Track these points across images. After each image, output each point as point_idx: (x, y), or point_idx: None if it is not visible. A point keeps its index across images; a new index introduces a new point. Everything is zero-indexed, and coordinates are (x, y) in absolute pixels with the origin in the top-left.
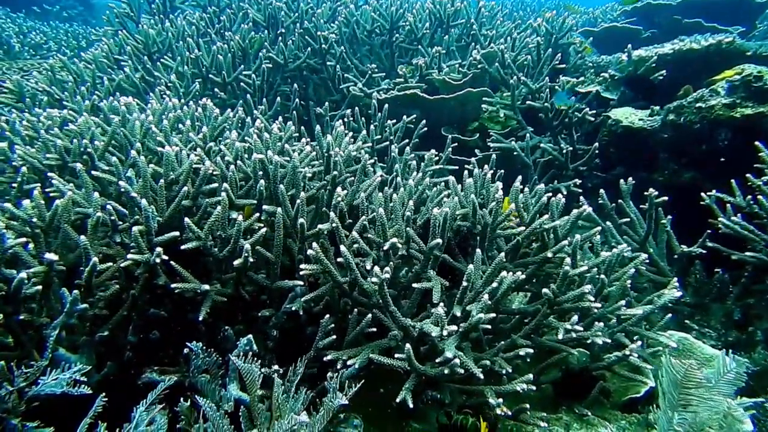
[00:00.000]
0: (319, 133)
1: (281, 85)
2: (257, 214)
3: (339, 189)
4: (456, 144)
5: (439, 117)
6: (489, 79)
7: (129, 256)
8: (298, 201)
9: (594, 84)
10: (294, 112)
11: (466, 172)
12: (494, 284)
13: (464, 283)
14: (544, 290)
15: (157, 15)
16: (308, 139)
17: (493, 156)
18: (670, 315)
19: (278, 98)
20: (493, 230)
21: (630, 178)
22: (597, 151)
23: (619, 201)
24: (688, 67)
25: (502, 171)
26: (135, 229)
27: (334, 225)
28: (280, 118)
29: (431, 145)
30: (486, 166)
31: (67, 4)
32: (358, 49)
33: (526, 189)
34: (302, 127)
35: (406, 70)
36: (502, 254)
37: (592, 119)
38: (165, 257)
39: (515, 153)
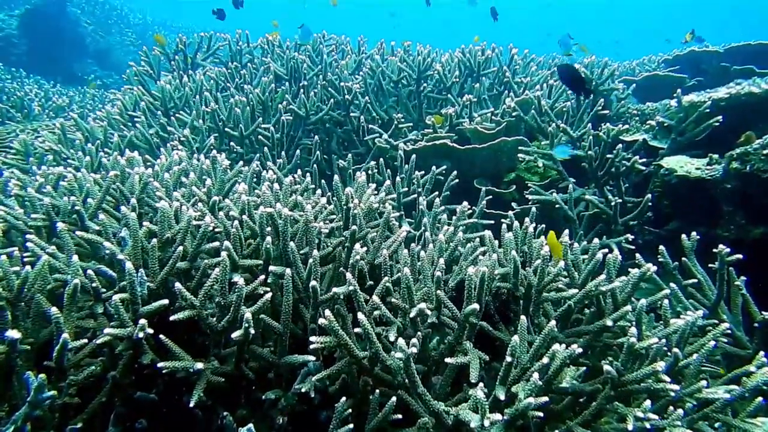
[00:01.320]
0: (337, 184)
1: (303, 138)
2: (262, 277)
3: (358, 246)
4: (490, 197)
5: (471, 168)
6: (524, 128)
7: (107, 330)
8: (311, 261)
9: (640, 132)
10: (315, 165)
11: (504, 226)
12: (545, 360)
13: (508, 359)
14: (606, 367)
15: (176, 71)
16: (330, 194)
17: (533, 209)
18: (760, 399)
19: (298, 151)
20: (540, 293)
21: (693, 233)
22: (650, 204)
23: (683, 259)
24: (745, 114)
25: (543, 226)
26: (116, 297)
27: (351, 288)
28: (299, 172)
29: (463, 199)
30: (526, 220)
31: (104, 73)
32: (384, 100)
33: (576, 245)
34: (322, 181)
35: (435, 119)
36: (552, 323)
37: (643, 168)
38: (150, 331)
39: (557, 206)
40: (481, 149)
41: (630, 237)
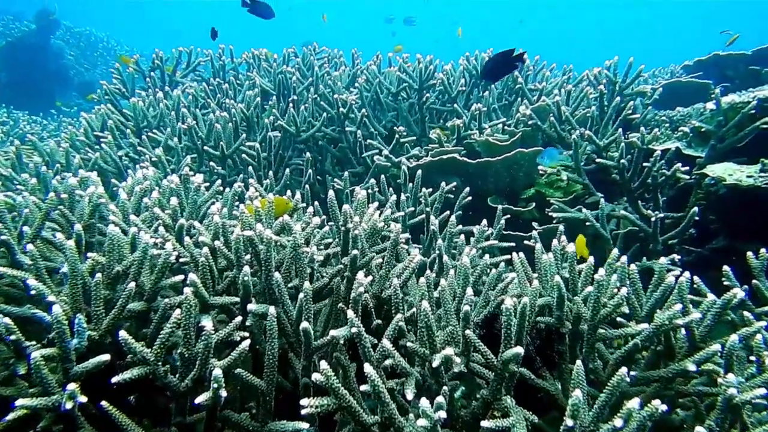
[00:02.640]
0: (332, 200)
1: (293, 157)
2: (238, 319)
3: (361, 275)
4: (507, 216)
5: (484, 185)
6: (542, 138)
7: (20, 402)
8: (302, 295)
9: (672, 140)
10: (307, 187)
11: (538, 245)
12: (617, 422)
13: (569, 422)
14: (699, 429)
15: (152, 89)
16: (324, 217)
17: (561, 228)
18: None
19: (288, 171)
20: (594, 329)
21: (763, 250)
22: (698, 218)
23: (754, 282)
24: None
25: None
26: (36, 354)
27: (354, 330)
28: (289, 193)
29: (476, 220)
30: (563, 239)
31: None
32: (383, 115)
33: (633, 266)
34: (315, 203)
35: (441, 132)
36: (623, 370)
37: (687, 177)
38: (83, 399)
39: (587, 224)
40: (494, 163)
41: (677, 257)
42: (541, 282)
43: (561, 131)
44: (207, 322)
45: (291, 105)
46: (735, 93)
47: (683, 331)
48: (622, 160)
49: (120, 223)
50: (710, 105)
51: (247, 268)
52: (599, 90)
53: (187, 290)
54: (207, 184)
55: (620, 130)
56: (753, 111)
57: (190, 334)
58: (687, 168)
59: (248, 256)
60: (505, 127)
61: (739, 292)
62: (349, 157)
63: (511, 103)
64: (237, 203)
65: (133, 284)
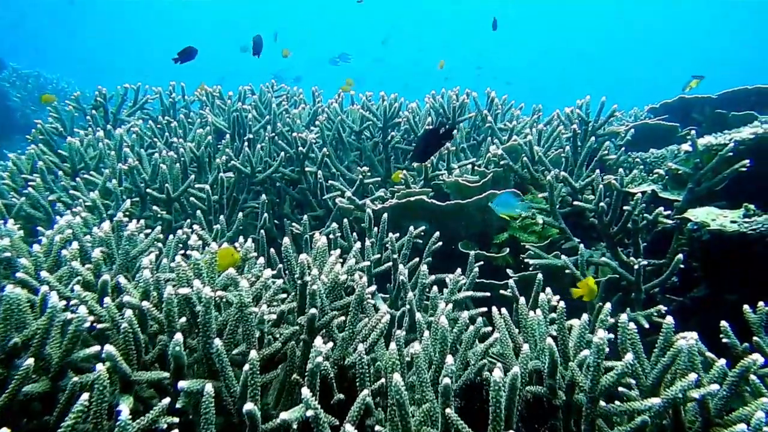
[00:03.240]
0: (287, 249)
1: (248, 200)
2: (166, 401)
3: (319, 341)
4: (480, 262)
5: (455, 229)
6: (514, 179)
7: None
8: (247, 367)
9: (647, 182)
10: (263, 232)
11: (521, 300)
12: None
13: None
14: None
15: (93, 128)
16: (281, 266)
17: (539, 277)
18: None
19: (241, 215)
20: (595, 401)
21: (761, 303)
22: (682, 266)
23: (755, 339)
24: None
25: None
26: None
27: (310, 414)
28: (241, 240)
29: (447, 267)
30: (548, 291)
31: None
32: (345, 155)
33: (632, 324)
34: (271, 250)
35: (395, 177)
36: None
37: (669, 222)
38: None
39: (567, 271)
40: (465, 205)
41: (663, 308)
42: (526, 341)
43: (534, 172)
44: (124, 406)
45: (246, 144)
46: (711, 135)
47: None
48: (601, 204)
49: (29, 281)
50: (686, 147)
51: (179, 336)
52: (572, 129)
53: (101, 367)
54: (149, 231)
55: (597, 171)
56: (730, 153)
57: (101, 422)
58: (670, 212)
59: (184, 319)
60: (475, 168)
61: (758, 358)
62: (310, 199)
63: (480, 142)
64: (182, 252)
65: (31, 360)
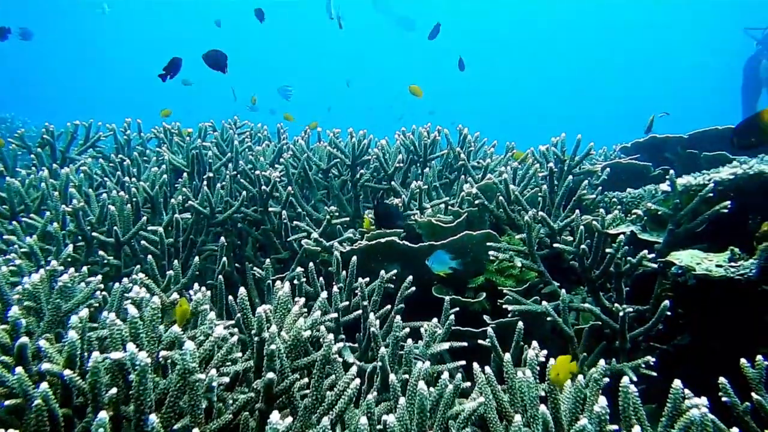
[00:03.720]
0: (243, 300)
1: (207, 243)
2: None
3: (276, 416)
4: (456, 309)
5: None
6: (489, 220)
7: None
8: None
9: (626, 223)
10: (221, 277)
11: (507, 356)
12: None
13: None
14: None
15: (38, 167)
16: (240, 316)
17: (520, 326)
18: None
19: (197, 259)
20: None
21: (759, 357)
22: (669, 313)
23: (755, 397)
24: (753, 198)
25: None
26: None
27: None
28: (196, 286)
29: (420, 313)
30: (534, 345)
31: None
32: (312, 194)
33: (632, 388)
34: (230, 298)
35: (365, 222)
36: None
37: (654, 266)
38: None
39: (549, 318)
40: (440, 247)
41: (651, 359)
42: (512, 407)
43: (511, 212)
44: None
45: (206, 183)
46: (690, 175)
47: None
48: (582, 246)
49: None
50: (664, 187)
51: (103, 415)
52: (549, 168)
53: None
54: (93, 278)
55: (577, 211)
56: (711, 194)
57: None
58: (653, 255)
59: (114, 390)
60: (449, 207)
61: None
62: (273, 240)
63: (453, 181)
64: (129, 303)
65: None
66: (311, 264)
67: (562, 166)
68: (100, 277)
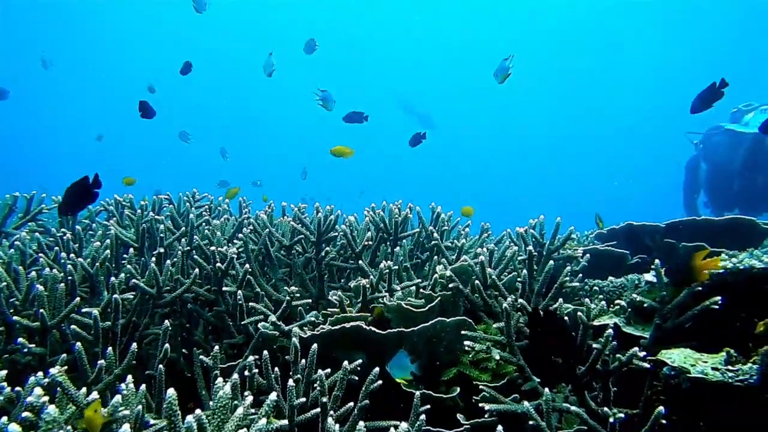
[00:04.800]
0: (171, 402)
1: (151, 326)
2: None
3: None
4: (428, 407)
5: None
6: (463, 305)
7: None
8: None
9: (609, 315)
10: (161, 367)
11: None
12: None
13: None
14: None
15: None
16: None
17: (499, 429)
18: None
19: (134, 346)
20: None
21: None
22: (664, 421)
23: None
24: (740, 293)
25: None
26: None
27: None
28: (129, 378)
29: (387, 410)
30: None
31: None
32: (273, 273)
33: None
34: (169, 391)
35: (343, 294)
36: None
37: (647, 365)
38: None
39: (531, 423)
40: (409, 335)
41: None
42: None
43: (487, 298)
44: None
45: (155, 259)
46: None
47: None
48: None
49: None
50: (648, 277)
51: None
52: (528, 252)
53: None
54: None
55: (561, 300)
56: (699, 288)
57: None
58: (645, 353)
59: None
60: (421, 290)
61: None
62: (228, 323)
63: (424, 261)
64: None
65: None
66: (265, 352)
67: (541, 249)
68: (4, 372)
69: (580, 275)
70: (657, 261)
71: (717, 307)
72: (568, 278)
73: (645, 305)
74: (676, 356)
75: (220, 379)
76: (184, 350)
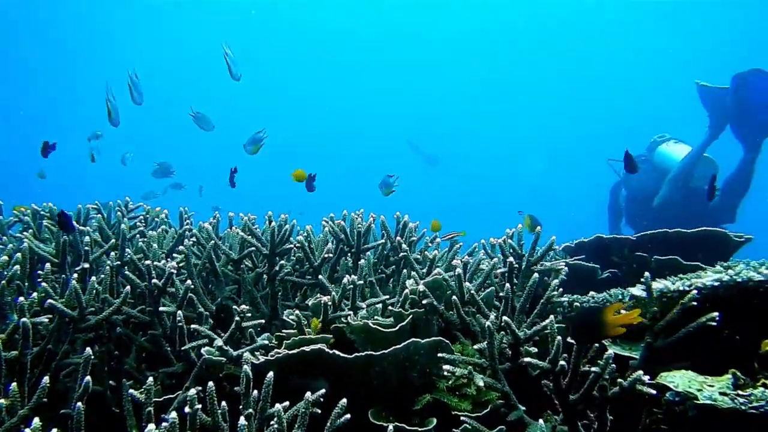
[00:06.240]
0: None
1: (72, 354)
2: None
3: None
4: None
5: (366, 390)
6: (438, 324)
7: None
8: None
9: None
10: (79, 405)
11: None
12: None
13: None
14: None
15: None
16: None
17: None
18: None
19: (46, 379)
20: None
21: None
22: None
23: None
24: (738, 308)
25: None
26: None
27: None
28: (36, 421)
29: None
30: None
31: None
32: (219, 290)
33: None
34: None
35: (300, 315)
36: None
37: (653, 392)
38: None
39: None
40: (379, 358)
41: None
42: None
43: (465, 315)
44: None
45: (77, 276)
46: (667, 279)
47: None
48: (561, 362)
49: None
50: (635, 291)
51: None
52: (508, 264)
53: None
54: None
55: (552, 318)
56: (694, 303)
57: None
58: (648, 378)
59: None
60: (389, 308)
61: None
62: (165, 349)
63: (389, 276)
64: None
65: None
66: (210, 383)
67: (520, 261)
68: None
69: (560, 290)
70: (647, 273)
71: (714, 324)
72: (556, 293)
73: (635, 322)
74: (678, 380)
75: (151, 426)
76: (112, 382)
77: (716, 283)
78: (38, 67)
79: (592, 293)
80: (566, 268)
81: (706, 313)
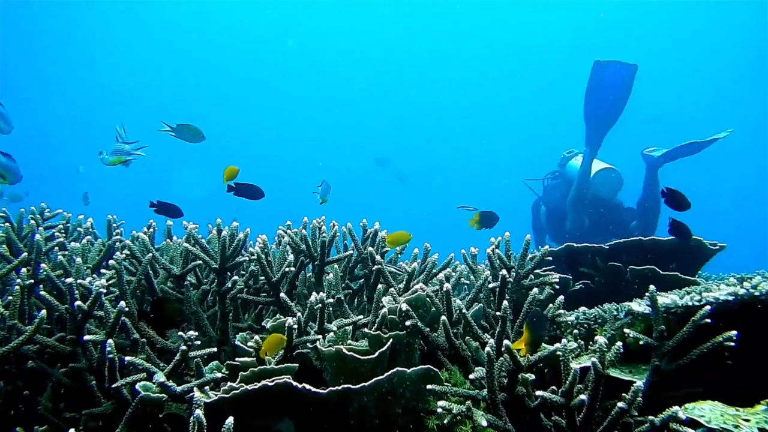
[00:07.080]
0: None
1: None
2: None
3: None
4: None
5: (337, 430)
6: (420, 348)
7: None
8: None
9: (587, 355)
10: None
11: None
12: None
13: None
14: None
15: None
16: None
17: None
18: None
19: None
20: None
21: None
22: None
23: None
24: (753, 324)
25: None
26: None
27: None
28: None
29: None
30: None
31: None
32: None
33: None
34: None
35: (259, 340)
36: None
37: (690, 431)
38: None
39: None
40: (357, 392)
41: None
42: None
43: (455, 339)
44: None
45: None
46: (674, 293)
47: None
48: (582, 396)
49: None
50: (635, 307)
51: None
52: (501, 277)
53: None
54: None
55: (564, 341)
56: (707, 320)
57: None
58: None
59: None
60: (365, 330)
61: None
62: (91, 386)
63: (356, 291)
64: None
65: None
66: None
67: (510, 275)
68: None
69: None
70: (652, 287)
71: (732, 344)
72: (561, 311)
73: (641, 342)
74: (708, 413)
75: None
76: (18, 429)
77: (731, 298)
78: None
79: (582, 308)
80: (558, 280)
81: (719, 332)
